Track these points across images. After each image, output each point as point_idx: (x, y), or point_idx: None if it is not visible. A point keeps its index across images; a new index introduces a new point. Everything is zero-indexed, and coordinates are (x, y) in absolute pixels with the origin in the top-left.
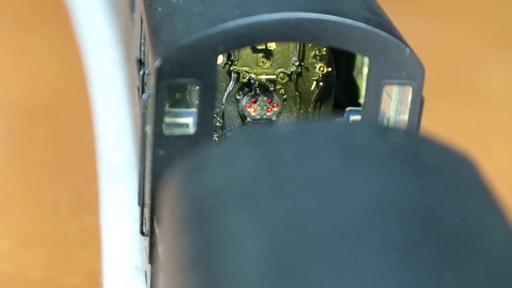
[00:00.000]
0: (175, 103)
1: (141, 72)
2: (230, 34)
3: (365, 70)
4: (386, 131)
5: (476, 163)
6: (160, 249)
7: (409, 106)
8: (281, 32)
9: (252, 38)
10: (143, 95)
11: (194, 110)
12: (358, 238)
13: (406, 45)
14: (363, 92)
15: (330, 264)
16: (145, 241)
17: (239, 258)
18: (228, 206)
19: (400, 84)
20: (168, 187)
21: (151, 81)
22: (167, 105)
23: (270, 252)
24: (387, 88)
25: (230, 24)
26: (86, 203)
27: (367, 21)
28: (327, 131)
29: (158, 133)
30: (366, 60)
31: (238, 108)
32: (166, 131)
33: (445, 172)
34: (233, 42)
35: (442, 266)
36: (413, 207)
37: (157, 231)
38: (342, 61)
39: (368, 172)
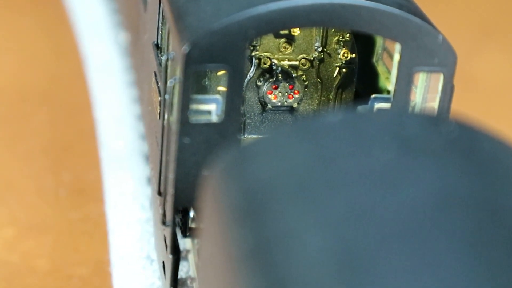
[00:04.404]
0: (198, 89)
1: (164, 57)
2: (261, 19)
3: (396, 56)
4: (437, 121)
5: None
6: (200, 242)
7: (439, 93)
8: (314, 17)
9: (284, 23)
10: (168, 81)
11: (217, 96)
12: (427, 233)
13: (438, 31)
14: (384, 79)
15: (401, 261)
16: (165, 231)
17: (300, 255)
18: (283, 199)
19: (431, 71)
20: (211, 179)
21: (176, 66)
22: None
23: (335, 249)
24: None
25: (262, 8)
26: (89, 191)
27: (400, 6)
28: (378, 121)
29: (184, 121)
30: (397, 46)
31: (258, 94)
32: (192, 119)
33: (501, 164)
34: (264, 27)
35: None
36: (478, 201)
37: (177, 221)
38: (359, 47)
39: (427, 164)
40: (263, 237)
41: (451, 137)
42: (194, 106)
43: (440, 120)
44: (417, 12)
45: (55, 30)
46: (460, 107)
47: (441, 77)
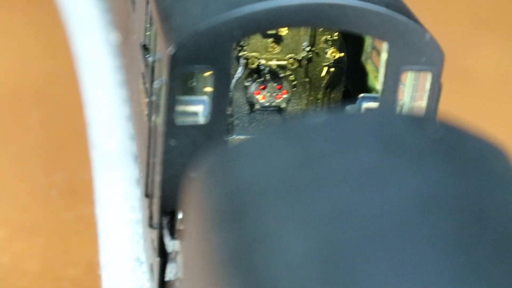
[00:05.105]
0: (185, 91)
1: (150, 59)
2: (247, 19)
3: (383, 55)
4: (421, 121)
5: (509, 153)
6: (182, 244)
7: (427, 92)
8: (300, 17)
9: (270, 23)
10: (154, 83)
11: (204, 97)
12: (410, 234)
13: (426, 30)
14: (373, 78)
15: (384, 262)
16: (152, 233)
17: (282, 257)
18: (265, 201)
19: (419, 70)
20: (194, 181)
21: (162, 68)
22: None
23: (316, 251)
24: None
25: (247, 8)
26: (81, 192)
27: (387, 5)
28: (362, 121)
29: (170, 123)
30: (384, 45)
31: (246, 95)
32: (178, 120)
33: (484, 164)
34: (250, 28)
35: (499, 263)
36: (462, 201)
37: (164, 223)
38: (348, 46)
39: (410, 164)
40: (245, 240)
41: (435, 138)
42: (181, 108)
43: (424, 120)
44: (404, 11)
45: (47, 29)
46: (457, 102)
47: (429, 76)
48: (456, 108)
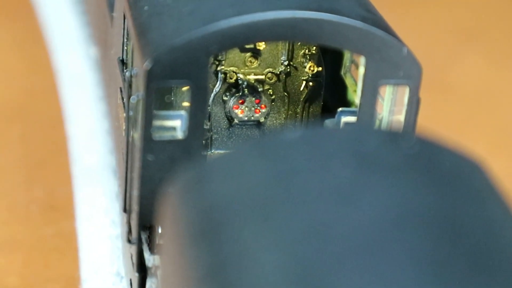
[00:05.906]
0: (162, 105)
1: (127, 74)
2: (223, 34)
3: (361, 70)
4: (397, 137)
5: (487, 168)
6: (160, 260)
7: (405, 106)
8: (276, 31)
9: (246, 38)
10: (131, 98)
11: (182, 112)
12: (385, 251)
13: (403, 44)
14: (352, 91)
15: (358, 279)
16: (131, 248)
17: (255, 275)
18: (240, 218)
19: (397, 84)
20: (170, 196)
21: (139, 83)
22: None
23: (290, 269)
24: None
25: (223, 23)
26: (61, 207)
27: (364, 19)
28: (338, 137)
29: (147, 138)
30: (362, 59)
31: (225, 109)
32: (155, 136)
33: (460, 179)
34: (226, 42)
35: (473, 278)
36: (436, 217)
37: (143, 238)
38: (327, 60)
39: (385, 180)
40: (220, 257)
41: (411, 153)
42: (158, 123)
43: (400, 135)
44: (381, 25)
45: (27, 44)
46: (439, 114)
47: (407, 90)
48: (438, 121)
